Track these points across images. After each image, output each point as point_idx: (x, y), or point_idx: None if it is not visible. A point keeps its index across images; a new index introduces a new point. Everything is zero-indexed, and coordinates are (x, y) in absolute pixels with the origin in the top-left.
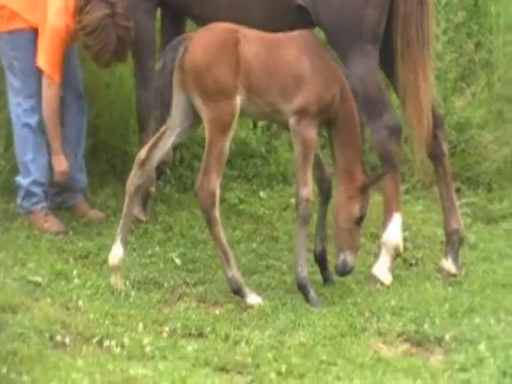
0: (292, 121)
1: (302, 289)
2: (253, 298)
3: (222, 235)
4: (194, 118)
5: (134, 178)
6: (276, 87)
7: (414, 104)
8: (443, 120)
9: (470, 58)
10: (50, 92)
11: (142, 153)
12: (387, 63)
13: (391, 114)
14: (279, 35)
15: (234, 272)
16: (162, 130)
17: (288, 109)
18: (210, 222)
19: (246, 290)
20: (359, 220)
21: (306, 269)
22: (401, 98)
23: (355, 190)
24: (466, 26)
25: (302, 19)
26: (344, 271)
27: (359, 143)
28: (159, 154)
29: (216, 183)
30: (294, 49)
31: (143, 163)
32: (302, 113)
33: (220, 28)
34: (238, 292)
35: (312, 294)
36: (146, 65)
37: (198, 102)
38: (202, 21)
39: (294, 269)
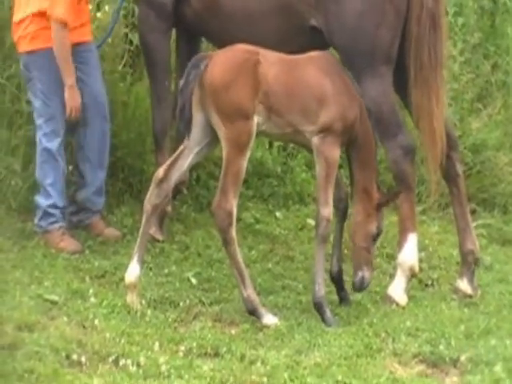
0: (315, 140)
1: (319, 308)
2: (268, 319)
3: (239, 255)
4: (212, 138)
5: (151, 197)
6: (297, 108)
7: (427, 127)
8: (457, 141)
9: (486, 79)
10: (60, 33)
11: (160, 172)
12: (401, 85)
13: (405, 134)
14: (298, 56)
15: (250, 292)
16: (179, 149)
17: (310, 129)
18: (227, 242)
19: (262, 310)
20: (376, 237)
21: (324, 288)
22: (414, 120)
23: (372, 209)
24: (483, 47)
25: (315, 40)
26: (362, 287)
27: (375, 163)
28: (177, 174)
29: (233, 203)
30: (314, 69)
31: (161, 182)
32: (326, 132)
33: (240, 49)
34: (253, 312)
35: (328, 313)
36: (162, 84)
37: (216, 121)
38: (217, 41)
39: (312, 288)
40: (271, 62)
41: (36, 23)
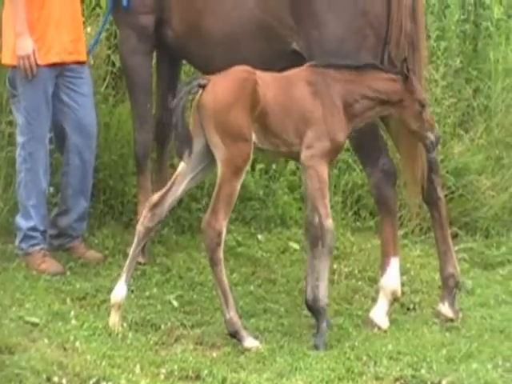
0: (303, 157)
1: (319, 314)
2: (250, 342)
3: (224, 276)
4: (207, 164)
5: (144, 220)
6: (291, 128)
7: (407, 150)
8: (438, 165)
9: (468, 103)
10: None
11: (155, 196)
12: None
13: (387, 158)
14: (290, 74)
15: (232, 314)
16: (174, 175)
17: (300, 148)
18: (214, 262)
19: (244, 333)
20: (422, 108)
21: (326, 300)
22: (395, 144)
23: (411, 94)
24: (465, 71)
25: (297, 64)
26: (434, 147)
27: None
28: (171, 199)
29: (223, 223)
30: (304, 88)
31: (155, 207)
32: (314, 150)
33: (239, 70)
34: (235, 334)
35: (325, 325)
36: (143, 107)
37: (216, 142)
38: (198, 63)
39: (316, 295)
40: (267, 82)
41: None
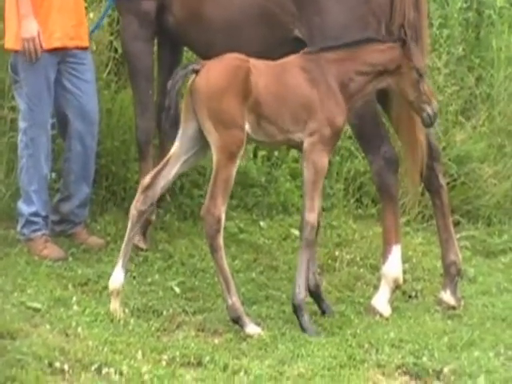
0: (305, 146)
1: (297, 310)
2: (252, 328)
3: (225, 262)
4: (200, 148)
5: (137, 204)
6: (287, 115)
7: (408, 138)
8: (440, 153)
9: (470, 91)
10: None
11: (147, 179)
12: (383, 96)
13: (388, 146)
14: (283, 62)
15: (235, 300)
16: (167, 157)
17: (300, 136)
18: (214, 248)
19: (246, 319)
20: (420, 78)
21: (305, 292)
22: (396, 131)
23: (403, 62)
24: (468, 59)
25: (298, 50)
26: (432, 120)
27: None
28: (163, 182)
29: (222, 209)
30: (300, 75)
31: (147, 189)
32: (315, 138)
33: (232, 57)
34: (237, 320)
35: (306, 317)
36: (145, 93)
37: (208, 128)
38: (199, 50)
39: (293, 290)
40: (261, 70)
41: None
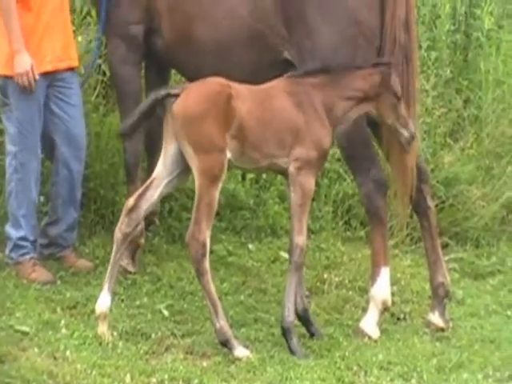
0: (291, 169)
1: (286, 333)
2: (240, 351)
3: (212, 286)
4: (183, 169)
5: (121, 226)
6: (272, 141)
7: (398, 160)
8: (428, 174)
9: (458, 113)
10: None
11: (130, 201)
12: (373, 119)
13: (378, 168)
14: (268, 86)
15: (223, 324)
16: (150, 179)
17: (285, 160)
18: (200, 273)
19: (234, 342)
20: (397, 99)
21: (294, 315)
22: (385, 154)
23: (380, 87)
24: (456, 81)
25: (287, 72)
26: (409, 145)
27: None
28: (147, 204)
29: (206, 233)
30: (285, 99)
31: (131, 211)
32: (301, 162)
33: (213, 82)
34: (225, 344)
35: (295, 340)
36: None
37: (189, 153)
38: (188, 73)
39: (282, 313)
40: (243, 95)
41: None
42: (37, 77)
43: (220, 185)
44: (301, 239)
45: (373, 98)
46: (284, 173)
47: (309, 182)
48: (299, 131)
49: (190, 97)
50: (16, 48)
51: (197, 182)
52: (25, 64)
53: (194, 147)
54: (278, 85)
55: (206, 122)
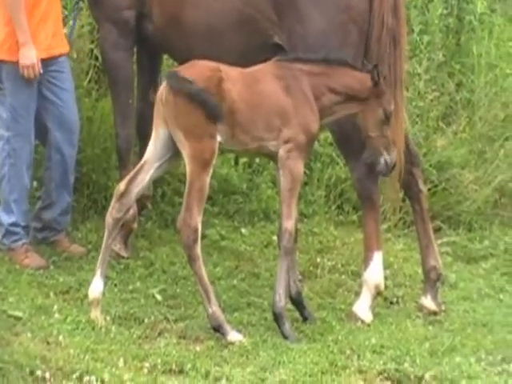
0: (281, 154)
1: (278, 318)
2: (233, 335)
3: (204, 271)
4: (173, 153)
5: (112, 211)
6: (261, 123)
7: None
8: (420, 158)
9: (451, 97)
10: None
11: (121, 185)
12: None
13: (369, 152)
14: (257, 69)
15: (215, 309)
16: (140, 163)
17: (274, 143)
18: (192, 258)
19: (227, 326)
20: (386, 120)
21: (285, 300)
22: None
23: (372, 98)
24: (448, 65)
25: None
26: (388, 170)
27: None
28: (138, 188)
29: (198, 219)
30: (273, 82)
31: (122, 196)
32: (290, 146)
33: (203, 65)
34: (218, 329)
35: (287, 326)
36: (125, 101)
37: (180, 138)
38: (179, 57)
39: (273, 298)
40: (233, 78)
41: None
42: (41, 70)
43: (211, 170)
44: (290, 223)
45: (361, 102)
46: (273, 157)
47: (298, 166)
48: (287, 115)
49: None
50: (23, 40)
51: (188, 168)
52: (31, 57)
53: (184, 133)
54: (266, 68)
55: (197, 108)
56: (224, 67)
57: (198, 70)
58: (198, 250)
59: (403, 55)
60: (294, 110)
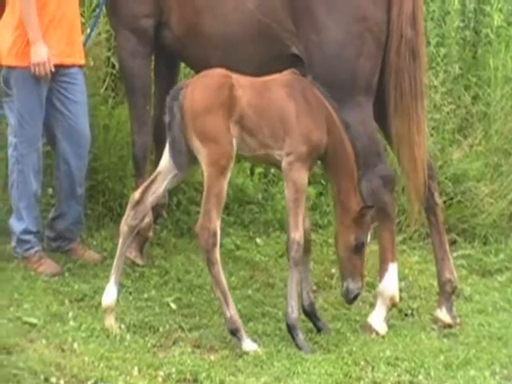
0: (283, 164)
1: (291, 330)
2: (248, 344)
3: (222, 276)
4: (188, 162)
5: (127, 219)
6: (267, 131)
7: (408, 156)
8: (436, 171)
9: (467, 110)
10: None
11: (136, 194)
12: (380, 115)
13: (385, 163)
14: (268, 79)
15: (233, 313)
16: (155, 173)
17: (278, 153)
18: (211, 262)
19: (243, 333)
20: (356, 249)
21: (297, 311)
22: (395, 150)
23: (350, 220)
24: (465, 77)
25: (295, 67)
26: (349, 298)
27: (353, 174)
28: (153, 197)
29: (217, 223)
30: (280, 92)
31: (137, 204)
32: (292, 156)
33: (215, 73)
34: (235, 332)
35: (300, 336)
36: (143, 110)
37: (197, 145)
38: (197, 66)
39: (285, 310)
40: (244, 85)
41: (24, 37)
42: (53, 68)
43: (229, 175)
44: (297, 234)
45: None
46: (279, 166)
47: (301, 177)
48: (288, 122)
49: (194, 92)
50: (33, 38)
51: (205, 174)
52: (42, 54)
53: (201, 140)
54: (277, 77)
55: (212, 115)
56: (235, 75)
57: (211, 80)
58: (217, 253)
59: (423, 67)
60: (295, 117)
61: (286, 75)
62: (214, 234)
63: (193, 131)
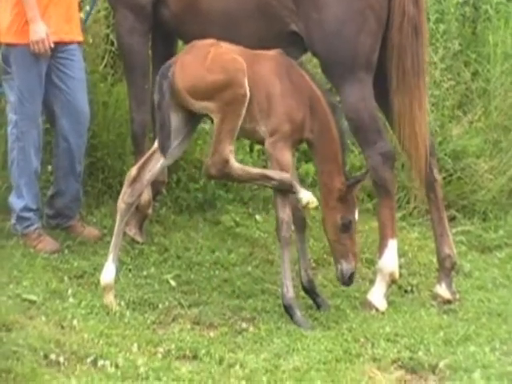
0: (267, 144)
1: (288, 310)
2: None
3: (249, 169)
4: (182, 140)
5: (124, 196)
6: (256, 103)
7: (410, 133)
8: (435, 147)
9: (467, 86)
10: None
11: (133, 171)
12: (380, 93)
13: (385, 140)
14: (257, 52)
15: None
16: (151, 150)
17: (263, 129)
18: (229, 174)
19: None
20: (344, 228)
21: (292, 290)
22: (396, 127)
23: (334, 201)
24: (464, 54)
25: (295, 45)
26: (344, 280)
27: (337, 156)
28: (149, 174)
29: (228, 150)
30: (267, 69)
31: (134, 181)
32: (275, 135)
33: (204, 44)
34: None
35: (298, 315)
36: (141, 87)
37: (204, 106)
38: None
39: (281, 290)
40: (234, 51)
41: (23, 15)
42: (52, 45)
43: (242, 115)
44: (285, 214)
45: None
46: (263, 144)
47: (284, 156)
48: (274, 101)
49: (184, 63)
50: (31, 16)
51: (218, 118)
52: (40, 32)
53: (208, 100)
54: (266, 53)
55: (209, 73)
56: (225, 43)
57: (196, 46)
58: (234, 162)
59: (425, 44)
60: (279, 96)
61: (273, 52)
62: (226, 161)
63: (193, 98)
